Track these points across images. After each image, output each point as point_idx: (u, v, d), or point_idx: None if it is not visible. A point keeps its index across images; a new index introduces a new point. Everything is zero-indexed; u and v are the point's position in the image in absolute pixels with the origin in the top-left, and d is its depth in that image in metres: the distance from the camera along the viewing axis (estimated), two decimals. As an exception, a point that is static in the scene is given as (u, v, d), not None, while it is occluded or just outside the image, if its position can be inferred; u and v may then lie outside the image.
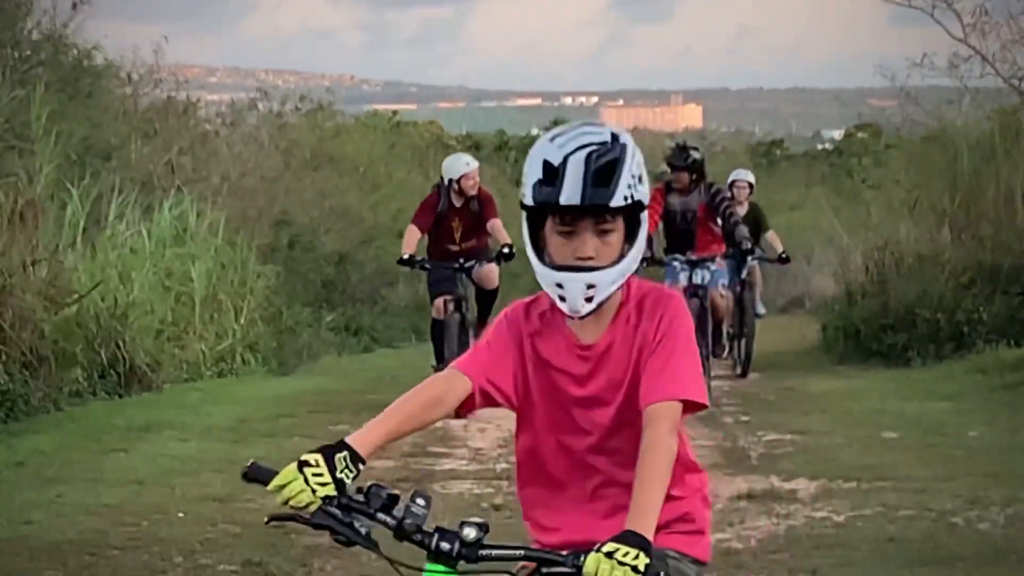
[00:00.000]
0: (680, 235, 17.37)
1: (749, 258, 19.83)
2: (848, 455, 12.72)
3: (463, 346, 15.07)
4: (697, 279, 16.88)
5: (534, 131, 73.73)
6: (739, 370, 20.87)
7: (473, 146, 59.71)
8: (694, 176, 17.25)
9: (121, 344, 15.87)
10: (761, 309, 22.17)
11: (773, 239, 21.44)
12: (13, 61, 18.71)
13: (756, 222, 20.54)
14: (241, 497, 10.80)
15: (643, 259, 15.02)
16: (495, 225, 16.22)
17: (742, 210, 20.15)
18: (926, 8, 27.56)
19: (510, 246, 15.59)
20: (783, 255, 20.91)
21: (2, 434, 13.16)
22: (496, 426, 15.46)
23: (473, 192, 16.18)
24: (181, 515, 10.31)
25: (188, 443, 13.46)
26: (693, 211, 17.23)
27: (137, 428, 13.93)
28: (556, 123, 72.69)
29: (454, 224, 16.27)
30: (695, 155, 17.52)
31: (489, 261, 16.23)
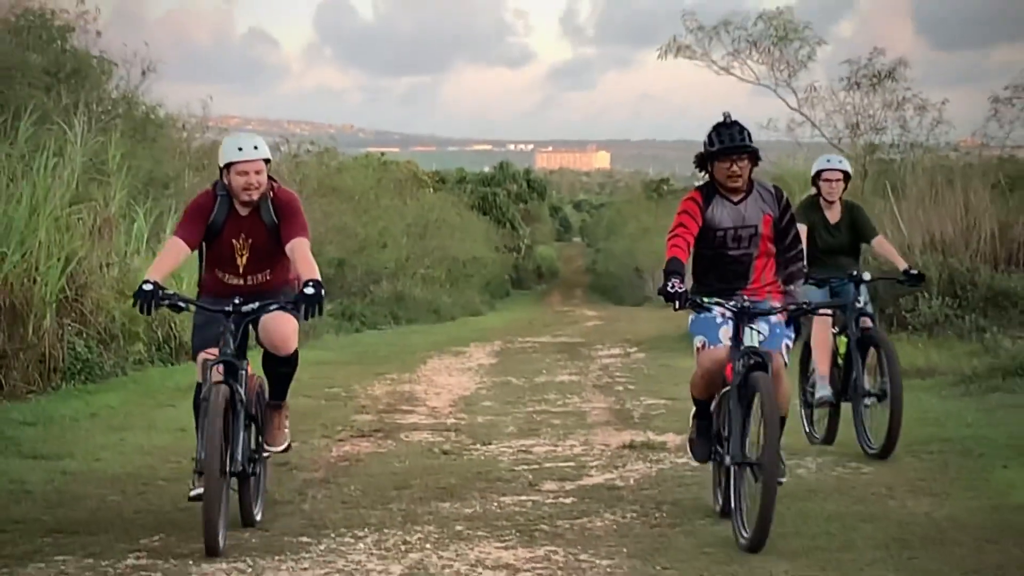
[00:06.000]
0: (726, 264, 7.98)
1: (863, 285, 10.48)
2: (705, 416, 12.74)
3: (230, 440, 7.43)
4: (751, 338, 7.67)
5: (486, 169, 73.69)
6: (872, 446, 10.04)
7: (440, 180, 59.75)
8: (752, 167, 7.93)
9: (173, 325, 15.80)
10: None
11: (883, 247, 10.95)
12: (96, 114, 18.65)
13: (855, 230, 10.74)
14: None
15: (673, 295, 7.57)
16: (297, 247, 7.63)
17: (834, 215, 10.73)
18: (771, 85, 27.81)
19: (317, 284, 7.32)
20: (911, 271, 10.71)
21: (82, 392, 13.10)
22: (448, 390, 15.47)
23: (251, 196, 7.68)
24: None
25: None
26: (753, 227, 7.91)
27: (184, 388, 13.83)
28: (502, 164, 73.04)
29: (236, 243, 7.83)
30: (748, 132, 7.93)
31: (281, 308, 7.62)
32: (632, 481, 9.43)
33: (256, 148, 7.76)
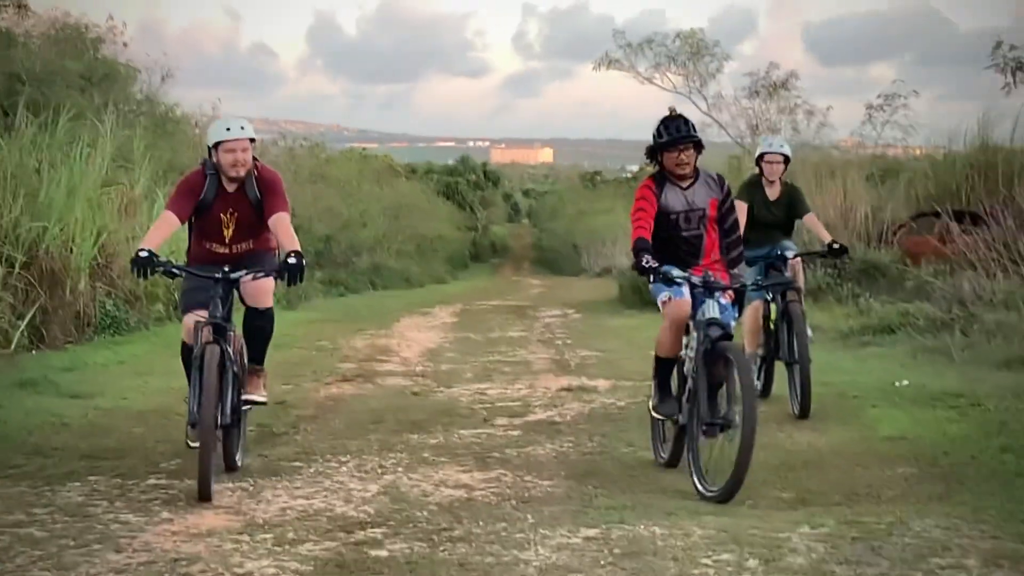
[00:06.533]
0: (681, 243, 7.34)
1: (788, 256, 9.90)
2: (629, 364, 12.81)
3: (221, 395, 6.83)
4: (713, 310, 7.01)
5: (450, 162, 73.35)
6: (796, 409, 9.36)
7: (411, 171, 59.46)
8: (697, 155, 7.31)
9: (188, 289, 15.76)
10: (809, 331, 9.79)
11: (813, 223, 10.31)
12: (123, 112, 18.50)
13: (791, 207, 10.09)
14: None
15: (647, 269, 6.82)
16: (279, 221, 7.09)
17: (774, 192, 10.04)
18: (686, 93, 27.96)
19: (298, 254, 6.83)
20: (835, 245, 9.99)
21: (111, 344, 13.06)
22: (417, 344, 15.49)
23: (238, 172, 7.13)
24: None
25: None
26: (701, 210, 7.30)
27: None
28: (464, 158, 72.74)
29: (224, 217, 7.23)
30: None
31: (267, 275, 7.13)
32: (569, 418, 9.51)
33: (243, 128, 7.17)
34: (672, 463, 7.48)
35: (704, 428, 6.88)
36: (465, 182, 66.05)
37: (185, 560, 5.57)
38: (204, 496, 6.53)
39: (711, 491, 6.69)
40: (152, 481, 7.06)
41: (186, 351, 7.15)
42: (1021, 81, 15.99)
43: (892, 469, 7.42)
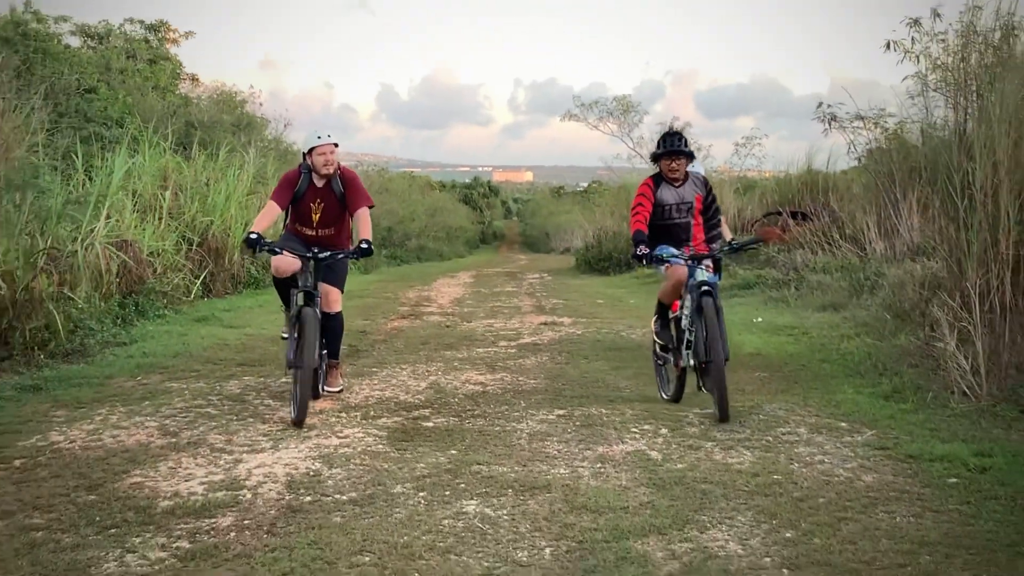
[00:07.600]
0: (675, 228, 6.28)
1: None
2: (584, 308, 12.80)
3: (310, 347, 5.61)
4: (702, 275, 5.98)
5: (467, 180, 72.76)
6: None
7: (442, 186, 59.09)
8: (687, 163, 6.27)
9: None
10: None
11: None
12: (260, 147, 18.25)
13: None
14: (354, 328, 10.79)
15: (641, 256, 5.79)
16: (361, 216, 6.09)
17: None
18: (620, 136, 27.87)
19: (368, 242, 5.87)
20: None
21: (254, 294, 12.90)
22: (448, 295, 15.44)
23: (328, 170, 6.15)
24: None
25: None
26: (689, 203, 6.25)
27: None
28: (475, 178, 72.22)
29: (313, 205, 6.21)
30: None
31: (346, 257, 6.07)
32: (546, 340, 9.47)
33: (329, 136, 6.22)
34: (675, 399, 6.27)
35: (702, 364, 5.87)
36: (476, 193, 65.77)
37: (306, 428, 5.60)
38: (299, 423, 5.54)
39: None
40: (283, 380, 7.06)
41: (276, 280, 6.24)
42: (834, 128, 15.89)
43: (751, 373, 7.44)
